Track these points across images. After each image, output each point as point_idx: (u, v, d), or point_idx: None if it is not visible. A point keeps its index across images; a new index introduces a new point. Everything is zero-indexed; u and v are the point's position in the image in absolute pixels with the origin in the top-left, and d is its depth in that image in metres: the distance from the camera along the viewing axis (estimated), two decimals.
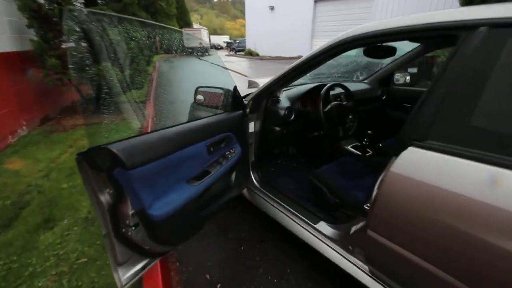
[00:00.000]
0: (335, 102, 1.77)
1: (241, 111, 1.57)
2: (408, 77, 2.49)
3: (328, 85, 1.79)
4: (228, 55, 22.68)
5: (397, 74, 2.44)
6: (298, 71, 1.43)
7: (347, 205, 1.49)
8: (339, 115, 1.77)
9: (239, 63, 15.08)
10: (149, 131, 1.15)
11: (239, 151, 1.53)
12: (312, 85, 2.00)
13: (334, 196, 1.54)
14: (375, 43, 1.18)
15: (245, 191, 1.91)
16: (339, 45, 1.19)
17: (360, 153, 1.99)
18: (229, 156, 1.44)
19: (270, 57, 17.72)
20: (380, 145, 1.69)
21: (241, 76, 10.10)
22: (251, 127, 1.76)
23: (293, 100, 1.82)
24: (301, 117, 1.88)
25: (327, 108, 1.72)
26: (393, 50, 1.36)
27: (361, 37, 1.11)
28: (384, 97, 2.46)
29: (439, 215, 0.85)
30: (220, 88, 1.54)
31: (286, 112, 1.71)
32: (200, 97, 1.55)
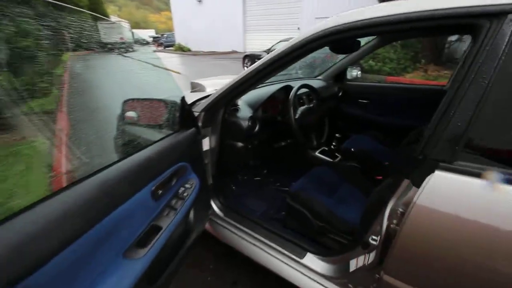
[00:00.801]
0: (304, 107, 1.52)
1: (193, 129, 1.17)
2: (359, 72, 2.43)
3: (296, 87, 1.52)
4: (157, 51, 20.89)
5: (349, 69, 2.35)
6: (263, 74, 1.11)
7: (336, 230, 1.26)
8: (311, 121, 1.53)
9: (170, 60, 13.95)
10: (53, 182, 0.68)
11: (197, 183, 1.14)
12: (273, 87, 1.70)
13: (318, 219, 1.29)
14: (367, 35, 0.93)
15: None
16: (318, 38, 0.91)
17: (330, 160, 1.80)
18: (185, 194, 1.04)
19: (204, 52, 16.94)
20: (386, 163, 1.50)
21: (177, 75, 9.26)
22: (205, 144, 1.38)
23: (255, 107, 1.49)
24: (266, 127, 1.58)
25: (297, 115, 1.45)
26: (358, 44, 1.20)
27: (351, 27, 0.85)
28: (340, 94, 2.34)
29: (491, 260, 0.66)
30: (161, 100, 1.10)
31: (249, 123, 1.38)
32: (131, 114, 1.08)
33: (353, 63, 2.24)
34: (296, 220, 1.38)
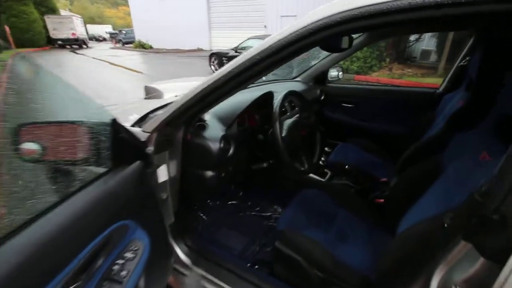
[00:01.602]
0: (291, 120, 1.20)
1: (138, 163, 0.80)
2: (341, 73, 2.19)
3: (282, 96, 1.19)
4: (115, 48, 19.34)
5: (331, 70, 2.10)
6: (241, 79, 0.77)
7: (341, 282, 0.96)
8: (301, 138, 1.22)
9: (130, 58, 12.89)
10: None
11: (146, 244, 0.76)
12: (248, 94, 1.36)
13: (317, 269, 0.99)
14: (389, 25, 0.62)
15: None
16: (322, 28, 0.60)
17: (320, 179, 1.52)
18: (124, 273, 0.66)
19: (167, 50, 15.98)
20: (383, 179, 1.22)
21: (136, 75, 8.48)
22: (162, 173, 1.01)
23: (229, 121, 1.14)
24: (244, 146, 1.24)
25: (284, 132, 1.12)
26: (351, 41, 0.97)
27: (373, 13, 0.55)
28: (322, 97, 2.08)
29: None
30: (81, 122, 0.70)
31: (221, 146, 1.03)
32: (31, 146, 0.67)
33: (335, 63, 1.99)
34: (287, 269, 1.06)
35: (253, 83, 1.76)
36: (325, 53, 1.99)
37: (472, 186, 0.75)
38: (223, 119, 1.13)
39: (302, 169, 1.16)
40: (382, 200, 1.29)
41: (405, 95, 1.90)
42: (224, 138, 1.04)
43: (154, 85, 1.71)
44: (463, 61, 1.56)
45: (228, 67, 0.76)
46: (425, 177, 1.06)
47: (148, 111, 1.14)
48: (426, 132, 1.55)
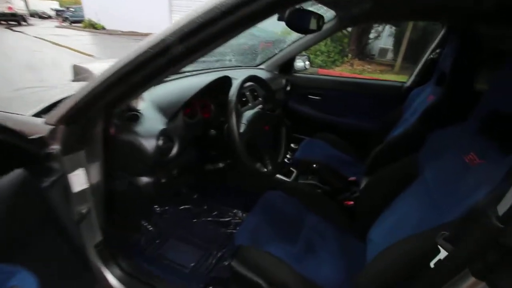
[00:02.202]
0: (252, 112, 0.99)
1: (19, 172, 0.53)
2: (308, 62, 2.04)
3: (241, 80, 0.97)
4: (60, 27, 17.12)
5: (298, 59, 1.93)
6: (174, 55, 0.54)
7: None
8: (264, 134, 1.01)
9: (78, 39, 11.47)
10: None
11: None
12: (201, 79, 1.12)
13: None
14: None
15: None
16: None
17: (286, 179, 1.36)
18: None
19: (122, 32, 14.59)
20: (352, 178, 1.06)
21: (85, 59, 7.52)
22: (77, 179, 0.74)
23: (173, 111, 0.89)
24: (194, 144, 1.01)
25: (243, 127, 0.90)
26: (322, 21, 0.84)
27: None
28: (288, 88, 1.91)
29: None
30: None
31: (160, 144, 0.79)
32: None
33: (302, 50, 1.82)
34: None
35: (211, 70, 1.52)
36: (292, 38, 1.81)
37: (464, 195, 0.63)
38: (164, 109, 0.88)
39: (265, 170, 0.97)
40: (352, 203, 1.17)
41: (373, 88, 1.82)
42: (164, 134, 0.80)
43: (85, 64, 1.37)
44: (433, 53, 1.50)
45: (158, 36, 0.53)
46: (398, 179, 0.95)
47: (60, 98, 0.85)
48: (394, 127, 1.47)
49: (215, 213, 1.43)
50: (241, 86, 0.90)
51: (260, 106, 1.12)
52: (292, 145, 1.38)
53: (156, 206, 1.38)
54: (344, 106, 1.88)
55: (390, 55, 8.83)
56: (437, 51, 1.46)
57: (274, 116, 1.05)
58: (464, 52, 1.03)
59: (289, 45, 1.83)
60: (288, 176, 1.39)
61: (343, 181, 1.35)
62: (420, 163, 0.89)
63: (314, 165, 1.32)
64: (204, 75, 1.29)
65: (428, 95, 1.30)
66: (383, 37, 8.74)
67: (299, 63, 1.98)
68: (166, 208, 1.40)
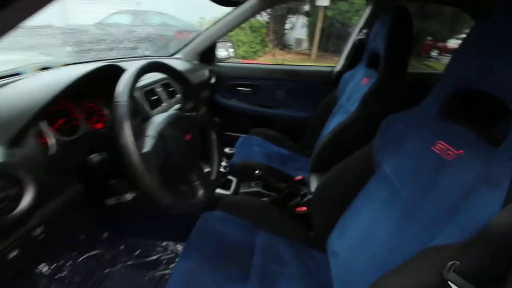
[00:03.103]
0: (166, 115, 0.66)
1: None
2: (232, 49, 1.79)
3: (134, 69, 0.63)
4: None
5: (219, 44, 1.67)
6: None
7: None
8: (186, 147, 0.68)
9: None
10: None
11: None
12: (68, 70, 0.74)
13: None
14: None
15: None
16: None
17: (225, 191, 1.10)
18: None
19: None
20: (298, 178, 0.83)
21: None
22: None
23: (15, 130, 0.51)
24: (79, 172, 0.65)
25: (150, 141, 0.57)
26: None
27: None
28: (213, 81, 1.63)
29: None
30: None
31: None
32: None
33: (223, 34, 1.56)
34: None
35: (102, 59, 1.13)
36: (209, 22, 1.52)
37: (455, 205, 0.50)
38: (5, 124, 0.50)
39: (194, 200, 0.69)
40: (305, 208, 1.00)
41: (304, 75, 1.71)
42: None
43: None
44: (359, 34, 1.45)
45: None
46: (354, 176, 0.81)
47: None
48: (330, 114, 1.38)
49: (137, 252, 1.08)
50: (136, 78, 0.59)
51: (178, 106, 0.83)
52: (227, 149, 1.13)
53: (42, 264, 0.94)
54: (276, 97, 1.72)
55: (305, 45, 9.38)
56: (364, 31, 1.41)
57: (198, 117, 0.77)
58: (397, 29, 0.96)
59: (207, 28, 1.54)
60: (226, 187, 1.14)
61: (290, 181, 1.19)
62: (375, 156, 0.76)
63: (257, 172, 1.11)
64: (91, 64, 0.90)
65: (362, 78, 1.23)
66: (297, 27, 9.19)
67: (222, 52, 1.72)
68: (60, 263, 0.97)
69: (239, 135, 1.65)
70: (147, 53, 1.52)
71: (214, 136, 0.81)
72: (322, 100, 1.51)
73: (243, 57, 7.57)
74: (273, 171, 1.22)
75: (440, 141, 0.58)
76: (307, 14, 8.09)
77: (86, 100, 0.78)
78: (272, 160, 1.35)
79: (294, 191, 1.08)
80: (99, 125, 0.81)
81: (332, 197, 0.85)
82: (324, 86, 1.63)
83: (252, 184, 1.17)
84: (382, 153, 0.73)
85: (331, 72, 1.64)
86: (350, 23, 6.85)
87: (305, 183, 1.18)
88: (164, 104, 0.91)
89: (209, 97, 1.66)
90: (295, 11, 8.21)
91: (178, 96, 1.14)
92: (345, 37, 6.11)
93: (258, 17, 7.61)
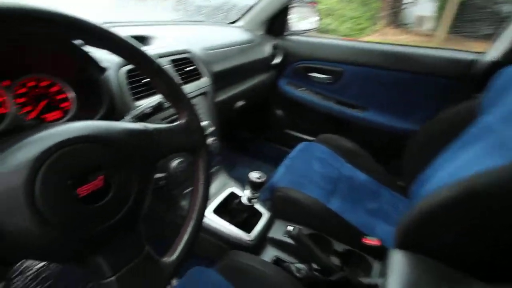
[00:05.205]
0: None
1: None
2: (317, 18, 1.29)
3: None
4: None
5: (295, 9, 1.20)
6: None
7: None
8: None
9: None
10: None
11: None
12: None
13: None
14: None
15: None
16: None
17: (245, 236, 0.72)
18: None
19: None
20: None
21: None
22: None
23: None
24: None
25: None
26: None
27: None
28: (278, 60, 1.20)
29: None
30: None
31: None
32: None
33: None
34: None
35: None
36: None
37: None
38: None
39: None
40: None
41: (424, 63, 1.05)
42: None
43: None
44: None
45: None
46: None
47: None
48: (458, 138, 0.75)
49: None
50: None
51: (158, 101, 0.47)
52: (255, 174, 0.70)
53: None
54: (367, 92, 1.16)
55: (428, 24, 7.49)
56: None
57: (174, 135, 0.39)
58: None
59: None
60: (248, 224, 0.75)
61: (354, 242, 0.70)
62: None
63: (289, 229, 0.66)
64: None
65: None
66: (420, 2, 7.38)
67: (299, 21, 1.24)
68: None
69: (302, 136, 1.20)
70: (200, 18, 1.21)
71: (201, 171, 0.42)
72: (446, 109, 0.88)
73: (345, 36, 6.59)
74: (327, 226, 0.74)
75: None
76: None
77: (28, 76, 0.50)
78: (337, 190, 0.87)
79: (352, 277, 0.60)
80: (55, 115, 0.53)
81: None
82: (456, 84, 0.97)
83: (291, 229, 0.73)
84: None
85: (473, 62, 0.95)
86: None
87: (382, 254, 0.67)
88: (154, 98, 0.56)
89: (269, 82, 1.24)
90: None
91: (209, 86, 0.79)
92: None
93: None
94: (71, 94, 0.56)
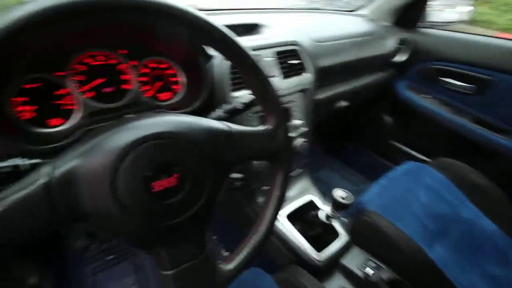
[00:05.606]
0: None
1: None
2: (467, 9, 0.99)
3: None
4: None
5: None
6: None
7: None
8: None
9: None
10: None
11: None
12: None
13: None
14: None
15: None
16: None
17: (314, 256, 0.65)
18: None
19: None
20: None
21: None
22: None
23: None
24: None
25: None
26: None
27: None
28: (403, 58, 1.00)
29: None
30: None
31: None
32: None
33: None
34: None
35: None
36: None
37: None
38: None
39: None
40: None
41: None
42: None
43: None
44: None
45: None
46: None
47: None
48: None
49: None
50: None
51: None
52: (340, 193, 0.59)
53: None
54: None
55: None
56: None
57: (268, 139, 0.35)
58: None
59: None
60: (322, 242, 0.67)
61: None
62: None
63: (369, 272, 0.53)
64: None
65: None
66: None
67: (443, 10, 0.98)
68: None
69: (411, 152, 1.00)
70: (317, 5, 1.11)
71: (278, 185, 0.38)
72: None
73: (504, 30, 5.02)
74: (418, 278, 0.58)
75: None
76: None
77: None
78: (446, 235, 0.68)
79: None
80: (166, 95, 0.59)
81: None
82: None
83: (371, 273, 0.61)
84: None
85: None
86: None
87: None
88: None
89: (383, 83, 1.05)
90: None
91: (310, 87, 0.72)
92: None
93: None
94: (182, 79, 0.60)
